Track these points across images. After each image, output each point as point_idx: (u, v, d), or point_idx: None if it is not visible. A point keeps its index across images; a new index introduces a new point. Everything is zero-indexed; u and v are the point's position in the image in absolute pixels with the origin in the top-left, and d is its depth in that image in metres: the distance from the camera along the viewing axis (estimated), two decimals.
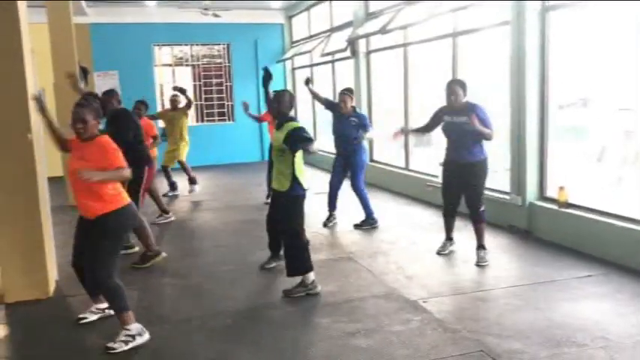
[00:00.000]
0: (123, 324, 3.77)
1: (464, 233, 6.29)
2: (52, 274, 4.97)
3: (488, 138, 5.16)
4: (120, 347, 3.71)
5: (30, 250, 4.70)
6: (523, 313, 4.13)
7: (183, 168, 9.58)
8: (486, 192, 6.60)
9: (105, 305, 4.19)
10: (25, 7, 4.77)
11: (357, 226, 6.81)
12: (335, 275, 5.17)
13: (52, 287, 4.89)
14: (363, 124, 6.70)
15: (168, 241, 6.56)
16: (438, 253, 5.61)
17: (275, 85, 14.24)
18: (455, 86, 5.21)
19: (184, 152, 9.54)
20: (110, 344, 3.72)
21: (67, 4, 8.59)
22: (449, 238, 5.68)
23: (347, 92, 6.79)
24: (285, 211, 4.75)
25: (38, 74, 6.78)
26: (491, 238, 5.85)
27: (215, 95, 14.02)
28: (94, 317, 4.24)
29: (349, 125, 6.68)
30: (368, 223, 6.81)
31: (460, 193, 5.45)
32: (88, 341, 4.03)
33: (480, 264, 5.27)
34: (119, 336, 3.74)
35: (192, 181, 9.55)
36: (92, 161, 3.68)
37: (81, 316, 4.24)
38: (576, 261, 5.19)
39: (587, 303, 4.27)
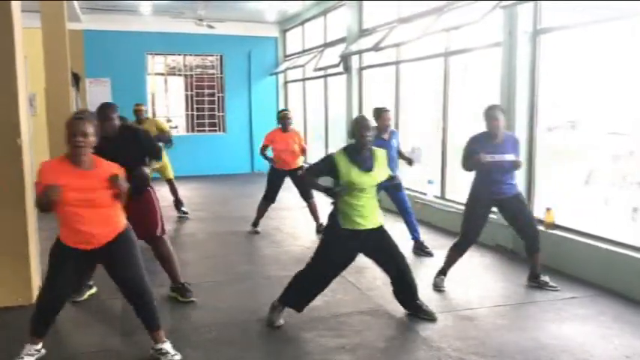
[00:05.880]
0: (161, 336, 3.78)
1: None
2: (36, 281, 4.91)
3: None
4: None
5: (14, 256, 4.66)
6: (508, 333, 4.14)
7: (172, 188, 8.56)
8: None
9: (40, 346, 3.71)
10: (19, 9, 4.74)
11: None
12: None
13: (35, 293, 4.82)
14: None
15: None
16: None
17: (267, 99, 14.22)
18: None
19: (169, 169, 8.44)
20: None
21: (62, 9, 8.58)
22: None
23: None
24: (395, 245, 4.58)
25: (30, 79, 6.75)
26: (477, 257, 5.87)
27: (206, 105, 14.03)
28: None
29: None
30: None
31: None
32: (71, 349, 3.98)
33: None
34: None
35: (178, 203, 8.62)
36: (102, 188, 3.43)
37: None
38: (561, 282, 5.21)
39: (571, 324, 4.30)
